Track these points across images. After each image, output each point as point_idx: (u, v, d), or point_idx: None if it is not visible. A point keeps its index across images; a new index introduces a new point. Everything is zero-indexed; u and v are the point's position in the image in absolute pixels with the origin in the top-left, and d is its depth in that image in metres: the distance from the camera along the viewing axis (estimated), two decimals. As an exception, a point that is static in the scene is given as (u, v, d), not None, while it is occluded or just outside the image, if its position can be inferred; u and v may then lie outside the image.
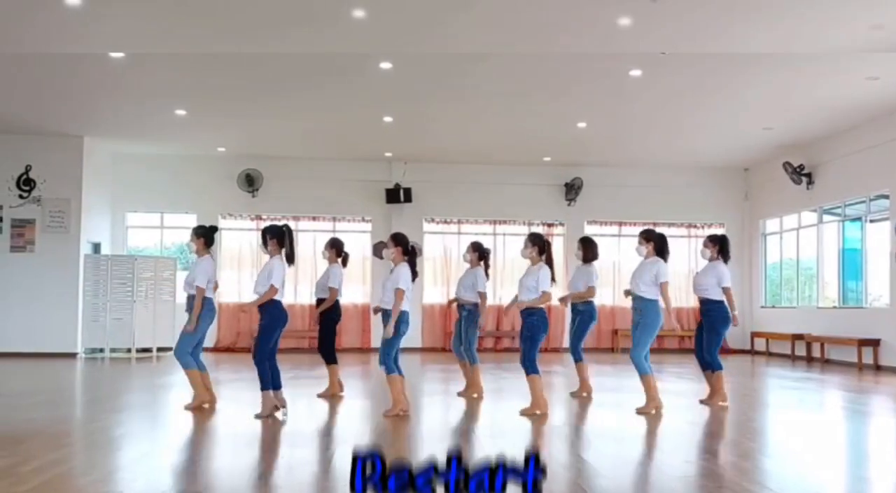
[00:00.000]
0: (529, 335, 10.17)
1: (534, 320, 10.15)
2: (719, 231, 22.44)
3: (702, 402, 11.29)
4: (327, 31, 12.50)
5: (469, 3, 11.59)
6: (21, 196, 19.78)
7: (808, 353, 20.18)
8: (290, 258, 9.91)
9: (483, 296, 11.79)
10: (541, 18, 12.03)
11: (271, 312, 9.67)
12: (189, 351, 10.43)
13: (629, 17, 11.84)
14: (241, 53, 13.49)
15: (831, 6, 11.44)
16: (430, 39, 12.93)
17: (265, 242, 9.89)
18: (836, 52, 13.20)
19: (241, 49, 13.26)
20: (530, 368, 10.17)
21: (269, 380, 9.64)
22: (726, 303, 11.25)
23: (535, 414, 10.01)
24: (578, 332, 12.20)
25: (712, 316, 11.24)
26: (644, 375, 10.45)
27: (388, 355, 9.88)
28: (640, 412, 10.36)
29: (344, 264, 12.05)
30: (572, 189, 22.82)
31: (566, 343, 14.15)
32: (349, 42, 12.90)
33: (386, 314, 9.92)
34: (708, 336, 11.28)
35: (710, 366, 11.26)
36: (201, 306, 10.39)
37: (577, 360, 12.22)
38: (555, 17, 11.99)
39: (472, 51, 13.31)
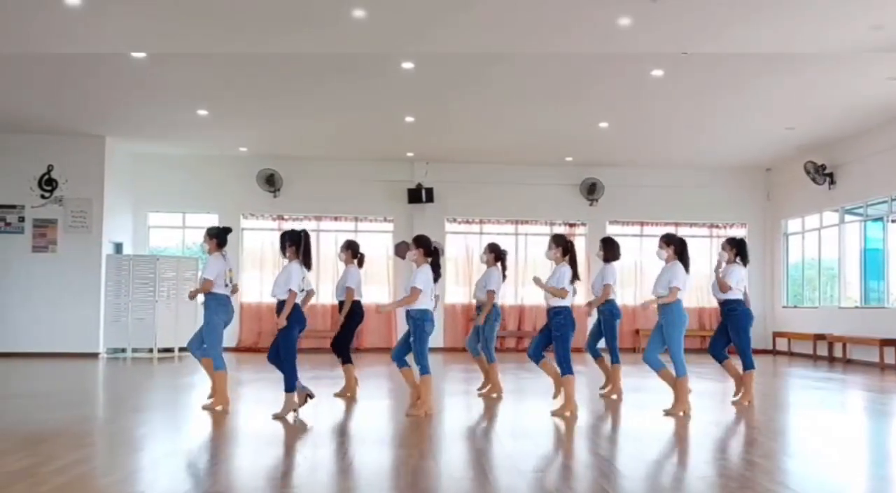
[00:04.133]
0: (559, 335, 10.17)
1: (560, 319, 10.16)
2: (741, 231, 22.64)
3: (733, 403, 11.42)
4: (333, 31, 12.56)
5: (468, 4, 11.64)
6: (43, 196, 19.88)
7: (830, 353, 20.11)
8: (308, 264, 10.00)
9: (491, 294, 11.98)
10: (540, 18, 12.07)
11: (288, 315, 9.78)
12: (221, 351, 10.59)
13: (629, 17, 11.86)
14: (254, 54, 13.58)
15: (831, 6, 11.43)
16: (429, 40, 12.98)
17: (283, 248, 10.01)
18: (836, 52, 13.20)
19: (240, 49, 13.37)
20: (565, 368, 10.18)
21: (295, 382, 9.75)
22: (743, 301, 11.44)
23: (566, 416, 10.02)
24: (608, 333, 12.22)
25: (735, 316, 11.36)
26: (680, 376, 10.41)
27: (423, 354, 9.98)
28: (668, 413, 10.39)
29: (360, 264, 12.15)
30: (589, 189, 22.80)
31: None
32: (352, 42, 12.99)
33: (409, 316, 10.05)
34: (736, 338, 11.42)
35: (744, 366, 11.44)
36: (201, 293, 10.74)
37: (614, 362, 12.23)
38: (554, 17, 12.03)
39: (470, 51, 13.37)
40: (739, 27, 12.26)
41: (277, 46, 13.19)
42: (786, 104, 16.61)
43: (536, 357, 10.64)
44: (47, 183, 19.89)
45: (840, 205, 20.39)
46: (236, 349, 21.59)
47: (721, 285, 11.38)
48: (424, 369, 9.98)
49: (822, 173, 20.21)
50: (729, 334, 11.48)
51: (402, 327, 21.28)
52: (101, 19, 12.13)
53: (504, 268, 12.29)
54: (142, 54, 13.71)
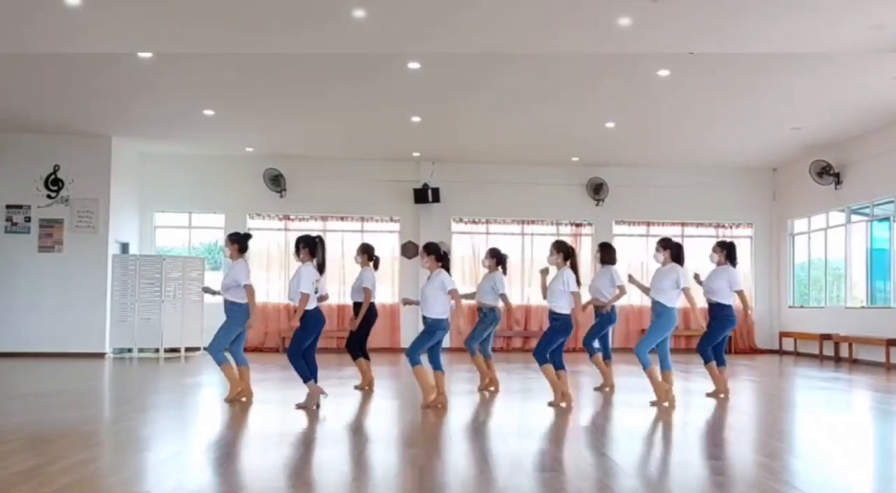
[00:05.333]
0: (549, 334, 10.60)
1: (558, 324, 10.55)
2: (747, 231, 22.73)
3: (708, 395, 11.93)
4: (334, 31, 12.58)
5: (467, 4, 11.65)
6: (49, 196, 19.89)
7: (836, 353, 20.07)
8: (321, 268, 10.44)
9: (505, 297, 12.41)
10: (540, 18, 12.09)
11: (305, 318, 10.20)
12: (223, 348, 10.94)
13: (629, 17, 11.87)
14: (260, 54, 13.61)
15: (831, 6, 11.44)
16: (429, 40, 13.00)
17: (297, 251, 10.37)
18: (836, 52, 13.20)
19: (244, 49, 13.42)
20: (540, 359, 10.61)
21: (308, 373, 10.22)
22: (734, 307, 11.79)
23: (561, 406, 10.49)
24: (597, 331, 12.71)
25: (720, 319, 11.71)
26: (646, 367, 10.86)
27: (419, 349, 10.43)
28: (654, 404, 10.71)
29: (375, 267, 12.70)
30: (596, 189, 22.79)
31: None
32: (353, 42, 13.01)
33: (425, 321, 10.49)
34: (709, 333, 11.75)
35: (706, 359, 11.79)
36: (253, 301, 11.08)
37: (591, 354, 12.78)
38: (555, 17, 12.05)
39: (470, 51, 13.39)
40: (738, 27, 12.26)
41: (280, 46, 13.20)
42: (792, 104, 16.59)
43: (557, 364, 10.76)
44: (53, 183, 19.90)
45: (846, 205, 20.36)
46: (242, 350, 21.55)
47: (714, 290, 11.57)
48: (414, 361, 10.39)
49: (828, 173, 20.19)
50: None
51: (405, 329, 21.43)
52: (104, 19, 12.14)
53: (504, 271, 12.70)
54: (148, 54, 13.73)
